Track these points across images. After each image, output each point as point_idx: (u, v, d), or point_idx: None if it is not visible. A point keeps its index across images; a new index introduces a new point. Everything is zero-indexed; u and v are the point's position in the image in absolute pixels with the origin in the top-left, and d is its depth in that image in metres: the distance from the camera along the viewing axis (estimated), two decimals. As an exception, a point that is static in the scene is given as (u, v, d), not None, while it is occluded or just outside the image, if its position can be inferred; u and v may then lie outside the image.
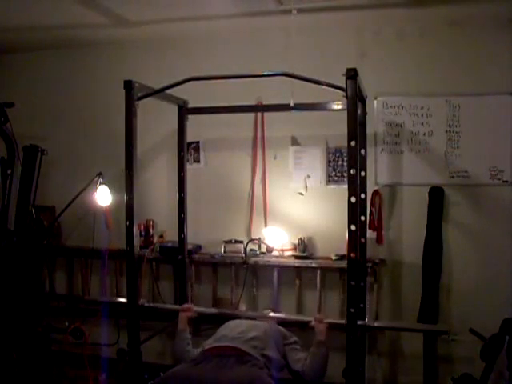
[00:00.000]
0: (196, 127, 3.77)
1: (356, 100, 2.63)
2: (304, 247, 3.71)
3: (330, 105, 3.33)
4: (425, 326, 3.38)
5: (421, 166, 3.61)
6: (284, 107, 3.25)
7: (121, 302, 3.60)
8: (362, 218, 3.24)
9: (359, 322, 2.82)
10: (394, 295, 3.66)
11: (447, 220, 3.55)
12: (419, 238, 3.55)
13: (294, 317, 3.43)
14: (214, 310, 3.54)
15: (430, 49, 3.56)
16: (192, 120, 3.68)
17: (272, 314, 3.29)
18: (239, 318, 3.26)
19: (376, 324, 3.28)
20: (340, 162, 3.76)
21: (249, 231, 3.91)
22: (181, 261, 3.70)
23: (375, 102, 3.64)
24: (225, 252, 3.86)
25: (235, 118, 3.74)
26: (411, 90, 3.59)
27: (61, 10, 3.36)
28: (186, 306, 3.35)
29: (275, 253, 3.76)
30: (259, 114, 3.87)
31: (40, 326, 3.51)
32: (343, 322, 2.70)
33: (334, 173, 3.77)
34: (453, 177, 3.56)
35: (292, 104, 3.11)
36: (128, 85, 2.88)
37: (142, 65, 4.02)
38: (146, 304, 3.36)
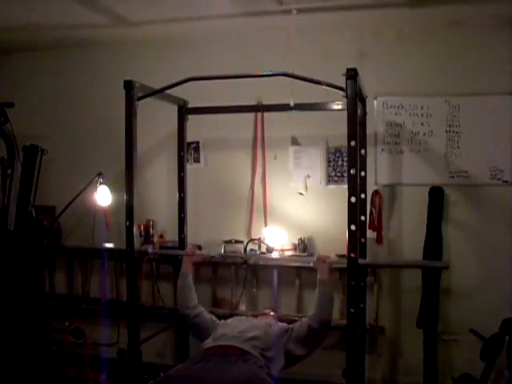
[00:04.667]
0: (196, 127, 3.77)
1: (356, 100, 2.64)
2: (304, 247, 3.71)
3: (329, 105, 3.33)
4: (425, 262, 3.43)
5: (421, 166, 3.60)
6: (284, 107, 3.26)
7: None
8: (362, 218, 3.24)
9: (361, 261, 2.82)
10: (393, 295, 3.66)
11: (447, 220, 3.55)
12: (419, 238, 3.54)
13: (297, 258, 3.50)
14: (217, 255, 3.53)
15: (430, 49, 3.56)
16: (192, 120, 3.68)
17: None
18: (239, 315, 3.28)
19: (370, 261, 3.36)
20: (340, 162, 3.76)
21: (249, 231, 3.91)
22: (181, 261, 3.69)
23: (375, 101, 3.64)
24: (225, 252, 3.85)
25: (235, 118, 3.74)
26: (411, 90, 3.59)
27: (61, 10, 3.36)
28: (190, 249, 3.36)
29: (275, 253, 3.76)
30: (259, 114, 3.86)
31: (40, 326, 3.52)
32: (344, 262, 2.71)
33: (333, 173, 3.77)
34: (453, 177, 3.56)
35: (292, 104, 3.11)
36: (128, 85, 2.89)
37: (142, 65, 4.02)
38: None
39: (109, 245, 3.97)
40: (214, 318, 3.19)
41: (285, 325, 3.09)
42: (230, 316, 3.35)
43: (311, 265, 3.56)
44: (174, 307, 3.76)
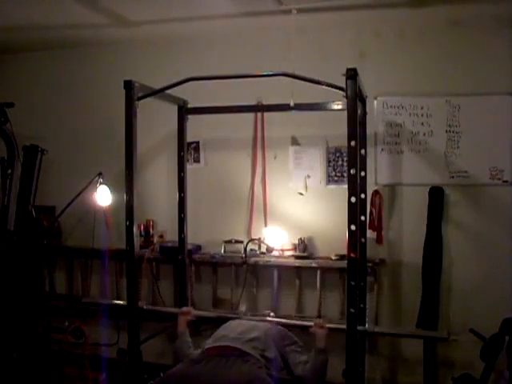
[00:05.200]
0: (196, 127, 3.77)
1: (356, 100, 2.63)
2: (304, 247, 3.71)
3: (330, 105, 3.33)
4: (424, 333, 3.36)
5: (421, 166, 3.60)
6: (284, 107, 3.26)
7: (121, 303, 3.61)
8: (362, 218, 3.24)
9: (359, 328, 2.82)
10: (393, 295, 3.66)
11: (447, 220, 3.54)
12: (419, 238, 3.54)
13: (293, 321, 3.36)
14: (213, 314, 3.53)
15: (430, 49, 3.56)
16: (192, 120, 3.68)
17: (271, 318, 3.27)
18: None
19: (376, 329, 3.29)
20: (340, 162, 3.75)
21: (249, 231, 3.91)
22: (181, 261, 3.70)
23: (375, 101, 3.64)
24: (225, 252, 3.86)
25: (235, 118, 3.74)
26: (411, 90, 3.59)
27: (61, 10, 3.36)
28: (185, 309, 3.35)
29: (275, 253, 3.76)
30: (259, 114, 3.86)
31: (40, 326, 3.52)
32: (343, 326, 2.68)
33: (333, 173, 3.77)
34: (453, 177, 3.56)
35: (292, 104, 3.11)
36: (128, 85, 2.89)
37: (142, 65, 4.02)
38: (145, 307, 3.35)
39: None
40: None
41: (285, 330, 3.09)
42: (230, 318, 3.33)
43: (312, 264, 3.59)
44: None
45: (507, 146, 3.45)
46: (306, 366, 2.89)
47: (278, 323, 3.18)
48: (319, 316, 3.61)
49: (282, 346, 2.96)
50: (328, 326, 3.02)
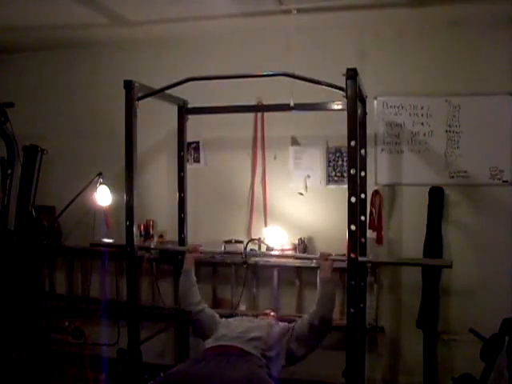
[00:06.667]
0: (196, 127, 3.77)
1: (356, 100, 2.64)
2: (304, 247, 3.71)
3: (330, 105, 3.34)
4: (426, 261, 3.43)
5: (421, 166, 3.60)
6: (284, 107, 3.26)
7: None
8: (362, 218, 3.24)
9: (361, 258, 2.83)
10: (393, 295, 3.66)
11: (447, 220, 3.55)
12: (419, 238, 3.55)
13: (300, 255, 3.47)
14: (220, 251, 3.51)
15: (430, 49, 3.56)
16: (192, 120, 3.68)
17: (271, 318, 3.27)
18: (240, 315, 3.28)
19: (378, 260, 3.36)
20: (340, 162, 3.76)
21: (249, 231, 3.91)
22: (181, 261, 3.69)
23: (375, 101, 3.64)
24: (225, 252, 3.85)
25: (235, 118, 3.74)
26: (411, 90, 3.59)
27: (61, 10, 3.36)
28: (192, 245, 3.36)
29: (275, 253, 3.76)
30: (259, 114, 3.86)
31: (40, 326, 3.52)
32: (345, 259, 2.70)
33: (333, 173, 3.77)
34: (453, 177, 3.56)
35: (292, 104, 3.12)
36: (128, 85, 2.88)
37: (142, 65, 4.02)
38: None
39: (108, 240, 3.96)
40: (215, 314, 3.19)
41: (286, 324, 3.09)
42: (231, 316, 3.35)
43: (312, 264, 3.59)
44: (175, 307, 3.78)
45: (507, 146, 3.46)
46: (311, 311, 2.90)
47: (278, 322, 3.19)
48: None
49: (285, 344, 2.94)
50: (333, 257, 3.03)
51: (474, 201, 3.54)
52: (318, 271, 3.04)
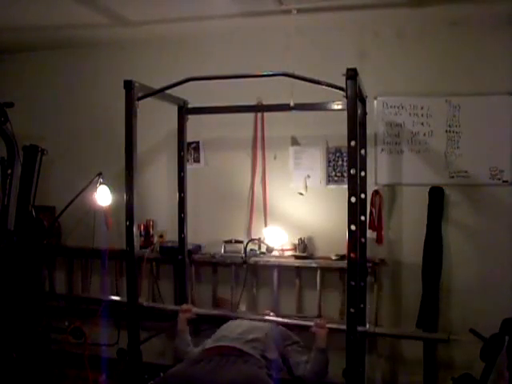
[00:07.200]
0: (196, 127, 3.77)
1: (356, 100, 2.63)
2: (304, 247, 3.71)
3: (330, 105, 3.33)
4: (424, 334, 3.38)
5: (421, 166, 3.60)
6: (284, 107, 3.26)
7: (121, 302, 3.60)
8: (362, 218, 3.24)
9: (359, 329, 2.83)
10: (393, 295, 3.66)
11: (447, 220, 3.55)
12: (419, 237, 3.54)
13: (294, 321, 3.32)
14: (213, 312, 3.53)
15: (430, 49, 3.56)
16: (192, 120, 3.68)
17: (271, 317, 3.27)
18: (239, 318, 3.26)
19: (376, 330, 3.29)
20: (340, 162, 3.75)
21: (249, 231, 3.91)
22: (181, 261, 3.70)
23: (375, 101, 3.64)
24: (225, 252, 3.85)
25: (235, 118, 3.74)
26: (411, 90, 3.59)
27: (61, 10, 3.36)
28: (185, 306, 3.34)
29: (275, 253, 3.76)
30: (259, 114, 3.86)
31: (40, 326, 3.52)
32: (344, 327, 2.68)
33: (333, 173, 3.77)
34: (453, 177, 3.56)
35: (292, 104, 3.11)
36: (128, 85, 2.88)
37: (142, 65, 4.02)
38: (146, 304, 3.36)
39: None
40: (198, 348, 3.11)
41: (286, 331, 3.09)
42: (230, 319, 3.32)
43: (313, 264, 3.59)
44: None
45: (507, 146, 3.45)
46: (306, 365, 2.89)
47: (278, 323, 3.18)
48: (319, 316, 3.61)
49: (283, 347, 2.96)
50: (328, 326, 3.01)
51: (474, 201, 3.54)
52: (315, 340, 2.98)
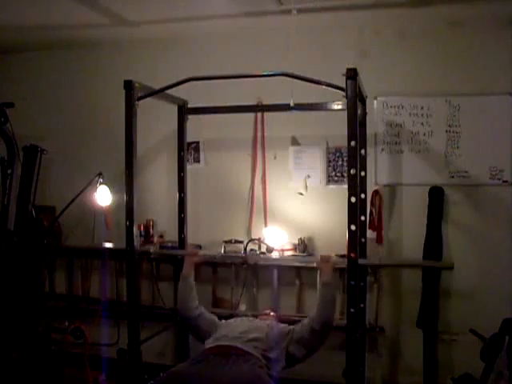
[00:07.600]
0: (196, 127, 3.77)
1: (356, 100, 2.64)
2: (304, 247, 3.71)
3: (330, 105, 3.33)
4: (429, 263, 3.43)
5: (421, 166, 3.61)
6: (284, 107, 3.25)
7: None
8: (362, 218, 3.24)
9: (361, 261, 2.83)
10: (393, 295, 3.66)
11: (447, 220, 3.55)
12: (419, 238, 3.54)
13: (301, 258, 3.42)
14: (219, 255, 3.49)
15: (430, 49, 3.57)
16: (192, 120, 3.68)
17: (271, 318, 3.26)
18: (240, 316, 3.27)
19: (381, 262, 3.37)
20: (340, 162, 3.76)
21: (249, 231, 3.91)
22: (181, 261, 3.69)
23: (375, 101, 3.64)
24: (225, 252, 3.85)
25: (235, 118, 3.74)
26: (411, 90, 3.59)
27: (61, 10, 3.36)
28: (191, 250, 3.35)
29: (275, 253, 3.76)
30: (259, 114, 3.86)
31: (40, 326, 3.51)
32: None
33: (333, 173, 3.77)
34: (453, 177, 3.56)
35: (292, 104, 3.11)
36: (128, 85, 2.89)
37: (142, 65, 4.02)
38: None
39: (108, 244, 3.97)
40: (214, 317, 3.18)
41: (286, 326, 3.08)
42: (231, 316, 3.35)
43: (314, 265, 3.58)
44: (174, 307, 3.78)
45: (507, 146, 3.46)
46: (313, 315, 2.87)
47: (278, 322, 3.19)
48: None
49: (285, 345, 2.94)
50: (334, 259, 3.03)
51: (474, 201, 3.54)
52: (319, 273, 3.02)
